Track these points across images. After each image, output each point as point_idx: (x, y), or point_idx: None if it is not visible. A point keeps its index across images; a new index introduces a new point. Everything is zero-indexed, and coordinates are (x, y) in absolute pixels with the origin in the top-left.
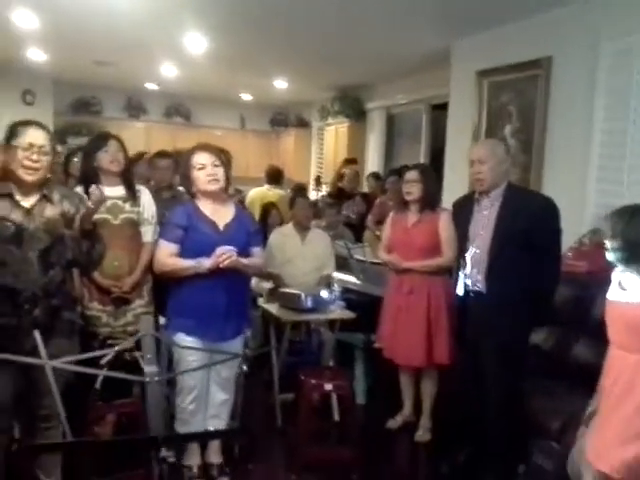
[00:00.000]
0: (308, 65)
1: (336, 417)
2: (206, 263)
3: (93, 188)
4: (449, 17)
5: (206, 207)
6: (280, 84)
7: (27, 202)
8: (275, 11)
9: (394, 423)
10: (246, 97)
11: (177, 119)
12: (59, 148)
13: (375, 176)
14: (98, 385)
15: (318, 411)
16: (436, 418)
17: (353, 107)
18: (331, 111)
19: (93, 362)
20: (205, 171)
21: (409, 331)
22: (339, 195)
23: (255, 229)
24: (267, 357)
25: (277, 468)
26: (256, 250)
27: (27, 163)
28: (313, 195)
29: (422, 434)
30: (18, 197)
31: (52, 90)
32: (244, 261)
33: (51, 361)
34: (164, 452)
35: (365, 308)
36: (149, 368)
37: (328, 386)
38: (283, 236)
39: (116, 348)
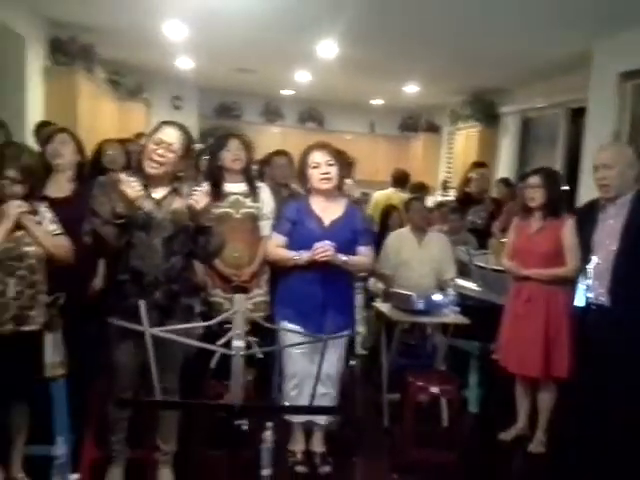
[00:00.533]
0: (439, 69)
1: (444, 422)
2: (304, 256)
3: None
4: (590, 15)
5: (316, 203)
6: (411, 88)
7: (158, 194)
8: (406, 15)
9: (507, 435)
10: (376, 102)
11: (310, 124)
12: (197, 147)
13: (505, 182)
14: (213, 364)
15: (425, 414)
16: (552, 433)
17: (485, 111)
18: (462, 115)
19: (212, 343)
20: (319, 170)
21: (525, 340)
22: (465, 200)
23: (364, 228)
24: (379, 357)
25: (380, 465)
26: (362, 249)
27: (153, 156)
28: (439, 199)
29: (535, 446)
30: (150, 189)
31: (198, 96)
32: (343, 257)
33: (151, 329)
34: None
35: (483, 316)
36: (236, 343)
37: (434, 389)
38: (400, 238)
39: (215, 320)
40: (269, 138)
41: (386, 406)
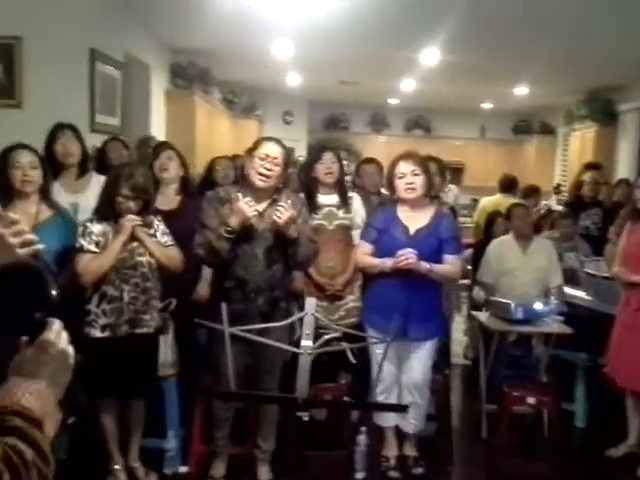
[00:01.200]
0: (551, 68)
1: (545, 433)
2: (389, 263)
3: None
4: None
5: (403, 212)
6: (521, 90)
7: (260, 206)
8: (511, 17)
9: (615, 452)
10: (486, 106)
11: (417, 132)
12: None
13: (626, 182)
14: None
15: (526, 425)
16: None
17: (602, 110)
18: (577, 115)
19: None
20: (404, 180)
21: (634, 351)
22: (577, 204)
23: (450, 236)
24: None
25: (473, 475)
26: (448, 257)
27: (262, 170)
28: (553, 203)
29: None
30: (252, 202)
31: (307, 110)
32: (426, 265)
33: (230, 328)
34: (300, 412)
35: (593, 326)
36: (305, 342)
37: (531, 400)
38: (503, 246)
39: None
40: (376, 147)
41: (484, 416)
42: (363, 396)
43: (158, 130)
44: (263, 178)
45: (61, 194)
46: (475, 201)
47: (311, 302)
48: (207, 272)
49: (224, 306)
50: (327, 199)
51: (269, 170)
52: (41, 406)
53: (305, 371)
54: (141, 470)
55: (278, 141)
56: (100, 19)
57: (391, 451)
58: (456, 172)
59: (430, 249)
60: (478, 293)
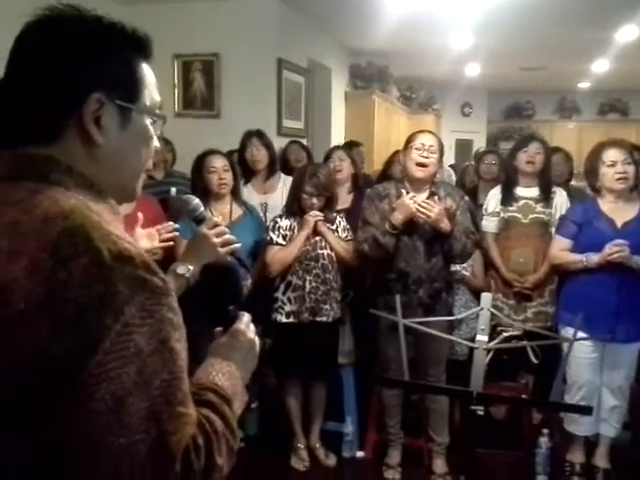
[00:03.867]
0: None
1: None
2: (594, 258)
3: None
4: None
5: (606, 204)
6: None
7: (419, 198)
8: None
9: None
10: None
11: (612, 115)
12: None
13: None
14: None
15: None
16: None
17: None
18: None
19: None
20: (615, 168)
21: None
22: None
23: None
24: None
25: None
26: None
27: (420, 160)
28: None
29: None
30: (417, 197)
31: (486, 100)
32: (639, 261)
33: (403, 319)
34: (475, 407)
35: None
36: (480, 337)
37: None
38: None
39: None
40: (564, 135)
41: None
42: (546, 399)
43: (339, 131)
44: (421, 168)
45: (252, 195)
46: None
47: (487, 297)
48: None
49: (398, 298)
50: (526, 191)
51: (426, 158)
52: (231, 386)
53: (480, 365)
54: (321, 451)
55: (432, 132)
56: (285, 29)
57: (577, 457)
58: None
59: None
60: None
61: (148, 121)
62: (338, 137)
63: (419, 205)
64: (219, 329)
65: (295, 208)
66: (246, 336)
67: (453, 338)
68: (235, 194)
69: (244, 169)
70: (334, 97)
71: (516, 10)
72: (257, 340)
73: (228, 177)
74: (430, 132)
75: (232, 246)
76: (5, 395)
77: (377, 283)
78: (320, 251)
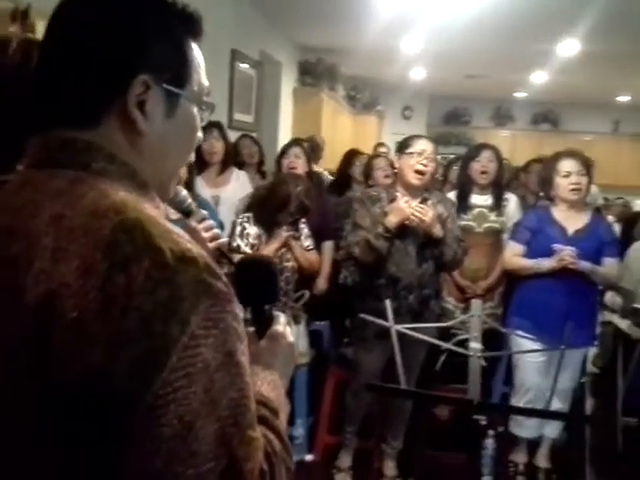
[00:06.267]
0: None
1: None
2: (545, 263)
3: None
4: None
5: (559, 212)
6: None
7: (412, 203)
8: None
9: None
10: (622, 99)
11: (544, 126)
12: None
13: None
14: (438, 367)
15: None
16: None
17: None
18: None
19: (437, 351)
20: (570, 179)
21: None
22: None
23: (610, 239)
24: (613, 376)
25: None
26: (609, 260)
27: (419, 167)
28: None
29: None
30: (411, 200)
31: (427, 105)
32: (588, 265)
33: (395, 325)
34: (476, 416)
35: None
36: (473, 345)
37: None
38: None
39: (453, 322)
40: (498, 142)
41: (620, 430)
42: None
43: (286, 127)
44: (419, 176)
45: (203, 188)
46: (606, 200)
47: (477, 304)
48: (326, 267)
49: (388, 303)
50: (480, 199)
51: (425, 166)
52: (277, 396)
53: (476, 374)
54: None
55: (429, 138)
56: (239, 21)
57: (520, 457)
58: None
59: (590, 251)
60: (613, 298)
61: (195, 109)
62: (285, 133)
63: (414, 209)
64: (251, 329)
65: (267, 219)
66: (286, 339)
67: (448, 345)
68: (189, 188)
69: (197, 161)
70: (283, 92)
71: (466, 19)
72: (294, 344)
73: (181, 170)
74: (426, 137)
75: (220, 241)
76: (61, 411)
77: (363, 288)
78: (285, 264)
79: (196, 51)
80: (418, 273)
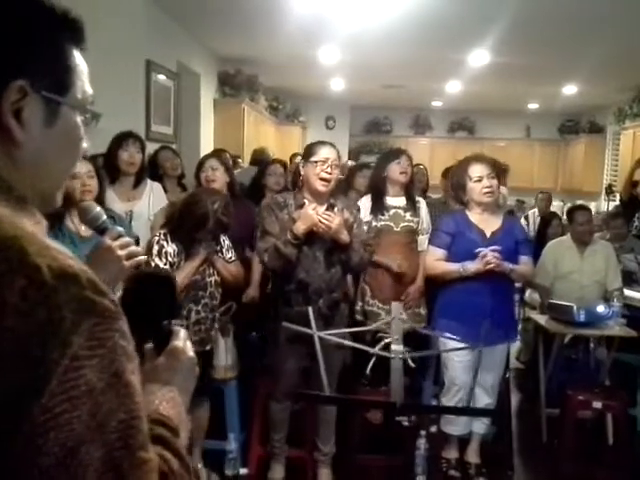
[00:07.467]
0: (601, 67)
1: (610, 440)
2: (470, 266)
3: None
4: None
5: (475, 215)
6: (569, 90)
7: (318, 209)
8: (564, 16)
9: None
10: (532, 106)
11: (460, 133)
12: (350, 164)
13: None
14: (368, 371)
15: (588, 431)
16: None
17: None
18: (629, 114)
19: (367, 355)
20: (482, 183)
21: None
22: (631, 203)
23: (523, 238)
24: (536, 370)
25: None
26: (524, 258)
27: (323, 175)
28: (604, 205)
29: None
30: (318, 207)
31: (349, 115)
32: (510, 266)
33: (318, 332)
34: (399, 418)
35: None
36: (395, 347)
37: (597, 404)
38: (559, 248)
39: (375, 325)
40: (418, 150)
41: (544, 421)
42: (419, 399)
43: (206, 138)
44: (324, 183)
45: (115, 202)
46: (520, 202)
47: (397, 306)
48: (256, 275)
49: (310, 310)
50: (395, 201)
51: (330, 174)
52: (177, 414)
53: (398, 375)
54: (203, 471)
55: (332, 144)
56: (154, 31)
57: (452, 454)
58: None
59: (507, 251)
60: (532, 295)
61: (79, 118)
62: (207, 144)
63: (321, 216)
64: (149, 346)
65: (185, 237)
66: (186, 354)
67: (371, 350)
68: (100, 202)
69: (110, 170)
70: (203, 103)
71: (377, 30)
72: (195, 358)
73: (93, 184)
74: (330, 144)
75: (137, 258)
76: None
77: (277, 295)
78: (208, 279)
79: (79, 57)
80: (327, 277)
